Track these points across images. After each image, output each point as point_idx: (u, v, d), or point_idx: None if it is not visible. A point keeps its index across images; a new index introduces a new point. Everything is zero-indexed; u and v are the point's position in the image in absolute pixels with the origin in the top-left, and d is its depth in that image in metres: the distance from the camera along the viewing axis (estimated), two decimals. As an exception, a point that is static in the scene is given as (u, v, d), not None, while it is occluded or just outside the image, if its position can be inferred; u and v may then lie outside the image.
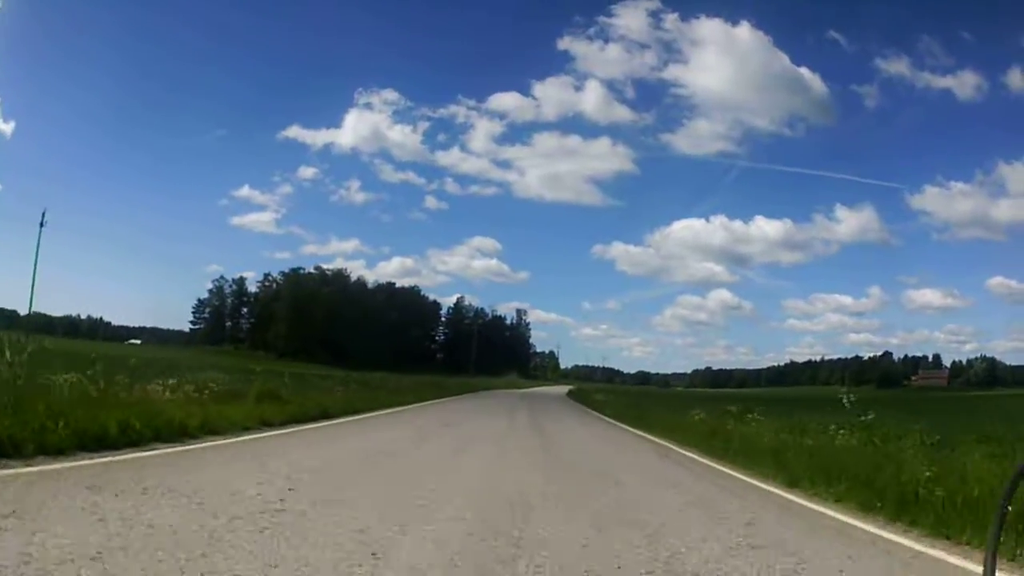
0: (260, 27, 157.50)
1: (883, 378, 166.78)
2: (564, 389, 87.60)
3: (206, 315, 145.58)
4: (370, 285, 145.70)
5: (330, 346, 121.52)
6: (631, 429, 21.38)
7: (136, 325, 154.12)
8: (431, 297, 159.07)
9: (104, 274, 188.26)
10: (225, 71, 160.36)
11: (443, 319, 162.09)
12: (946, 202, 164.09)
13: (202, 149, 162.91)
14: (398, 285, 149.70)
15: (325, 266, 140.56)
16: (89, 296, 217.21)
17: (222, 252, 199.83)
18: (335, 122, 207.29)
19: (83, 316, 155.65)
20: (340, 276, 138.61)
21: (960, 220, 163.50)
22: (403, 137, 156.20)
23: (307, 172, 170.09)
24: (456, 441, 14.07)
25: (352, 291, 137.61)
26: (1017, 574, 5.45)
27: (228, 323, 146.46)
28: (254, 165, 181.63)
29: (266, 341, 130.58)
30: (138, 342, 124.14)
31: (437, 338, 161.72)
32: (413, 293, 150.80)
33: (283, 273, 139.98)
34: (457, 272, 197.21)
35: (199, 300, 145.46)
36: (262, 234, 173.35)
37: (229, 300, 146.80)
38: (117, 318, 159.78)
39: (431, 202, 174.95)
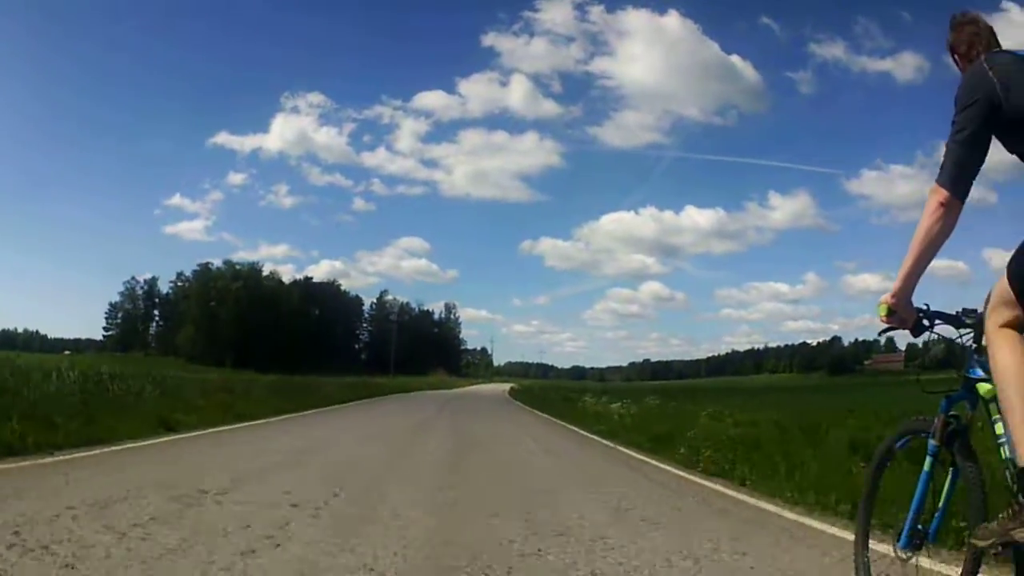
0: (186, 33, 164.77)
1: (835, 363, 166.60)
2: (503, 387, 79.41)
3: (118, 319, 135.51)
4: (286, 281, 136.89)
5: (241, 347, 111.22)
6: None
7: (72, 337, 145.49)
8: (352, 292, 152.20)
9: (42, 286, 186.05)
10: (154, 80, 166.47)
11: (367, 316, 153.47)
12: (886, 185, 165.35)
13: (132, 158, 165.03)
14: (315, 280, 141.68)
15: (236, 260, 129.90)
16: (27, 309, 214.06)
17: (157, 262, 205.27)
18: (263, 127, 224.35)
19: (19, 329, 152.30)
20: (253, 272, 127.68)
21: (901, 203, 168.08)
22: (329, 139, 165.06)
23: (236, 178, 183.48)
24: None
25: (266, 288, 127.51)
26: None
27: (140, 327, 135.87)
28: (185, 173, 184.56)
29: (175, 345, 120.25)
30: (68, 353, 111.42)
31: (361, 336, 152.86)
32: (333, 289, 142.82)
33: (194, 271, 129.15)
34: (387, 273, 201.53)
35: (111, 304, 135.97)
36: (194, 242, 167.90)
37: (141, 303, 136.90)
38: (54, 331, 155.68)
39: (359, 204, 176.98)
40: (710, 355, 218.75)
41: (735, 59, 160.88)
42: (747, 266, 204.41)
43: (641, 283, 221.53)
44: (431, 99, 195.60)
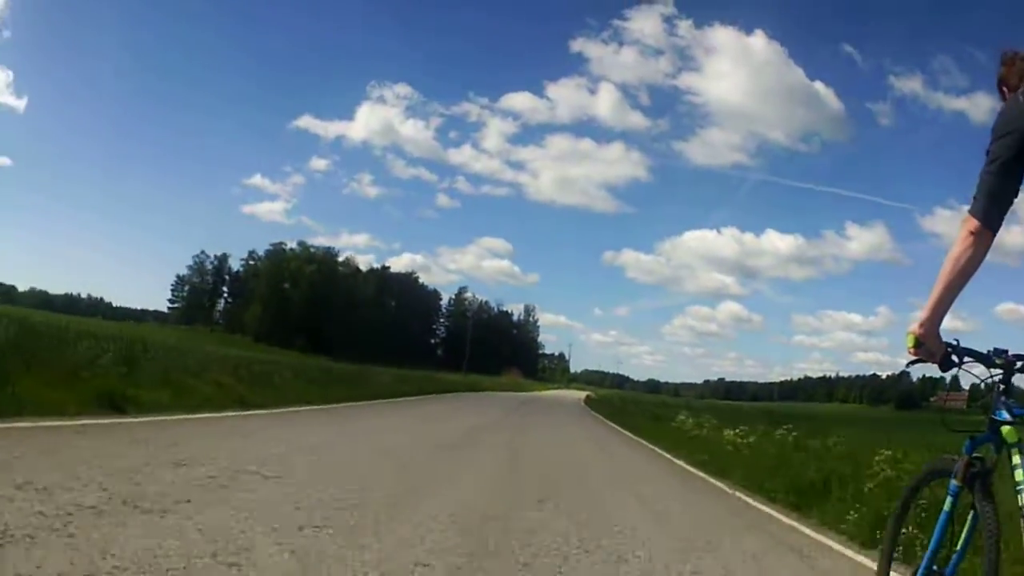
0: (273, 17, 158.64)
1: (902, 398, 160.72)
2: (578, 395, 75.08)
3: (184, 293, 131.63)
4: (363, 269, 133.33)
5: (310, 333, 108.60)
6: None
7: (139, 307, 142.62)
8: (430, 286, 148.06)
9: (115, 256, 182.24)
10: (237, 61, 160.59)
11: (444, 312, 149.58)
12: (955, 225, 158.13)
13: (215, 137, 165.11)
14: (393, 271, 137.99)
15: (311, 243, 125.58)
16: (95, 276, 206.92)
17: (232, 240, 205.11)
18: (347, 114, 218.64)
19: (84, 295, 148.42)
20: (328, 257, 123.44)
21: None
22: (415, 132, 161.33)
23: (319, 163, 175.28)
24: None
25: (341, 274, 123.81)
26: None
27: (207, 302, 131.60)
28: (266, 154, 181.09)
29: (243, 323, 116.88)
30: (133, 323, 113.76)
31: (438, 332, 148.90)
32: (410, 281, 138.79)
33: (267, 250, 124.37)
34: (467, 271, 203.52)
35: (178, 276, 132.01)
36: (272, 223, 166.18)
37: (209, 278, 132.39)
38: (120, 299, 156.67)
39: (443, 200, 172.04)
40: (783, 379, 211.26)
41: (819, 85, 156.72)
42: (823, 294, 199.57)
43: (720, 302, 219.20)
44: (519, 100, 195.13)
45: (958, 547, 2.68)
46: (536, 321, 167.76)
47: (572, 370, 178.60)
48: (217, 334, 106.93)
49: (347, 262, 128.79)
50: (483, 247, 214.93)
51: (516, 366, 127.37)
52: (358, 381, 26.02)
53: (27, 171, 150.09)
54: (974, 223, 2.47)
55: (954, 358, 2.63)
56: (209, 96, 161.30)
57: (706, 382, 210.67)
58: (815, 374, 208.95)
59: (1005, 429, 2.45)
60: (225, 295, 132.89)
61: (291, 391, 16.87)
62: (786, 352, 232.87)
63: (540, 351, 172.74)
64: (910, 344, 2.56)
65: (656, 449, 15.61)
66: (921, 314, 2.53)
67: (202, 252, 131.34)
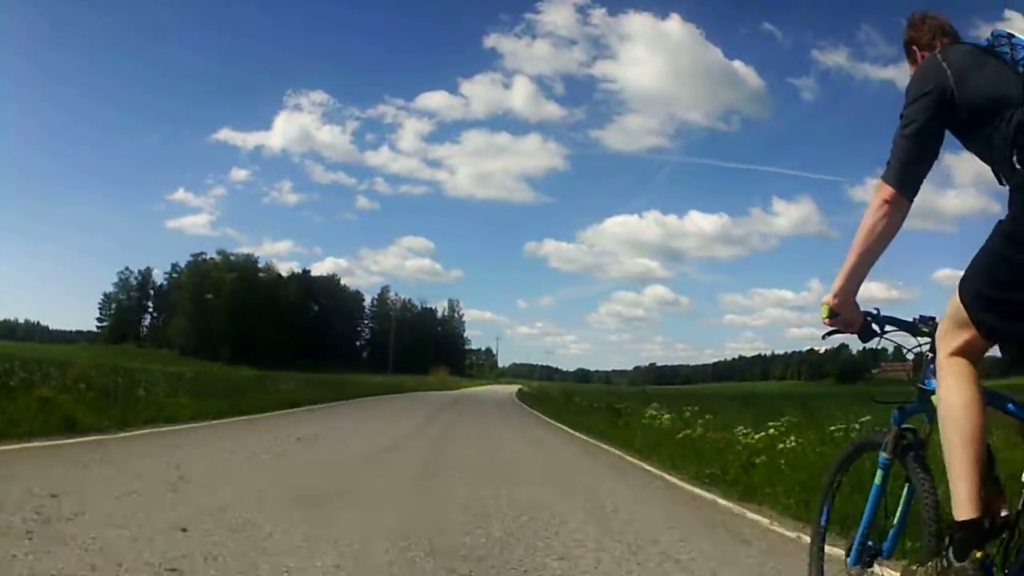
0: (187, 30, 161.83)
1: (844, 371, 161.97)
2: (509, 389, 70.92)
3: (112, 311, 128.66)
4: (284, 274, 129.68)
5: (235, 342, 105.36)
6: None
7: (74, 329, 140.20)
8: (352, 288, 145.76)
9: (45, 279, 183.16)
10: (152, 79, 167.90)
11: (368, 313, 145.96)
12: None
13: (135, 153, 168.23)
14: (315, 274, 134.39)
15: (231, 252, 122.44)
16: (31, 301, 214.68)
17: (159, 256, 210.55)
18: (265, 124, 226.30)
19: (20, 320, 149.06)
20: (248, 264, 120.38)
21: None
22: (333, 138, 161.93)
23: (239, 174, 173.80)
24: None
25: (263, 281, 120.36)
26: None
27: (134, 318, 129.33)
28: (187, 168, 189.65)
29: (168, 337, 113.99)
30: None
31: (363, 334, 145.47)
32: (332, 283, 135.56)
33: (188, 261, 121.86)
34: (391, 272, 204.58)
35: (104, 295, 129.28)
36: (197, 236, 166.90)
37: (135, 294, 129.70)
38: (57, 323, 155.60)
39: (363, 202, 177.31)
40: (717, 360, 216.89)
41: (738, 64, 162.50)
42: (751, 272, 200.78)
43: (645, 287, 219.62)
44: (434, 99, 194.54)
45: (895, 522, 2.62)
46: (461, 316, 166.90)
47: (500, 364, 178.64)
48: (145, 350, 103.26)
49: (268, 268, 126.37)
50: (405, 247, 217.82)
51: (443, 364, 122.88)
52: (253, 390, 21.89)
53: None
54: (888, 190, 2.35)
55: (875, 327, 2.61)
56: (127, 114, 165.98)
57: (636, 368, 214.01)
58: (748, 353, 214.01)
59: (935, 398, 2.36)
60: (150, 310, 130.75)
61: (154, 407, 13.02)
62: (717, 333, 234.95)
63: (467, 347, 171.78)
64: (824, 315, 2.53)
65: (613, 449, 11.64)
66: (835, 284, 2.48)
67: (126, 268, 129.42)
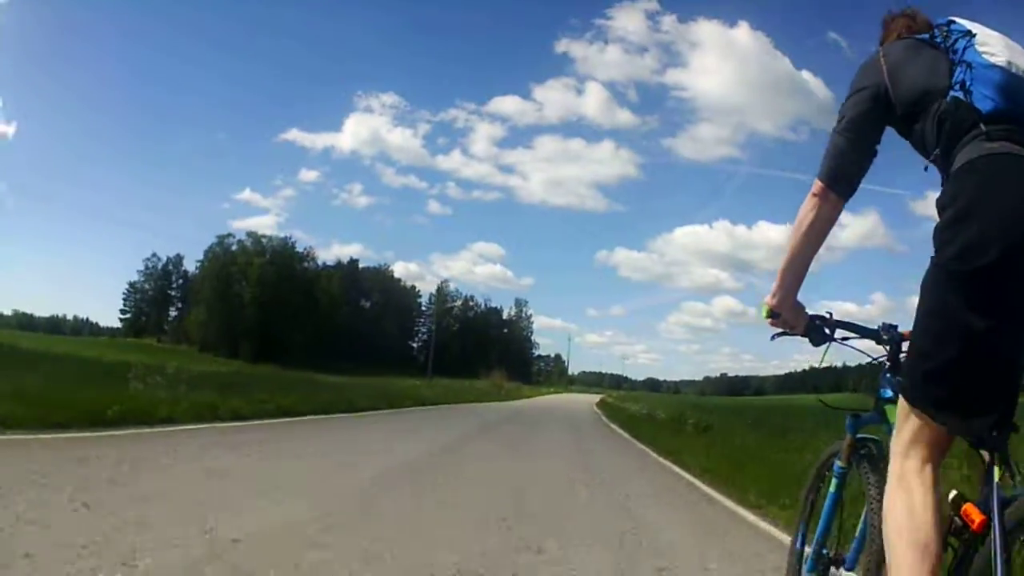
0: (256, 31, 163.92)
1: None
2: (587, 399, 58.30)
3: (134, 302, 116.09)
4: (329, 262, 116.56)
5: (264, 337, 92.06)
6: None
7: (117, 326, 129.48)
8: (408, 283, 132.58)
9: (101, 277, 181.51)
10: (224, 75, 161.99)
11: (424, 310, 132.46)
12: None
13: (202, 153, 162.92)
14: (362, 266, 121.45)
15: (262, 234, 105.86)
16: (82, 297, 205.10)
17: None
18: (335, 125, 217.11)
19: (69, 316, 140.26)
20: (283, 248, 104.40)
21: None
22: (403, 141, 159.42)
23: (308, 175, 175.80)
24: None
25: (300, 270, 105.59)
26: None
27: (155, 311, 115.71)
28: (255, 168, 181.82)
29: (187, 332, 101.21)
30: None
31: (420, 333, 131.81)
32: (383, 276, 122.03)
33: (211, 243, 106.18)
34: (461, 277, 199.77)
35: (129, 284, 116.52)
36: (265, 238, 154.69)
37: (160, 283, 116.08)
38: (105, 320, 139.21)
39: (434, 206, 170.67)
40: (787, 371, 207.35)
41: (806, 75, 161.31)
42: (817, 283, 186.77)
43: (714, 297, 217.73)
44: (506, 104, 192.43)
45: (857, 533, 2.51)
46: (530, 316, 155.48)
47: (569, 372, 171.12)
48: (164, 346, 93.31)
49: (307, 256, 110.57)
50: (476, 252, 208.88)
51: (506, 367, 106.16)
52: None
53: (17, 195, 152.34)
54: (818, 185, 2.26)
55: (826, 331, 2.52)
56: (197, 114, 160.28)
57: (706, 378, 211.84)
58: (820, 364, 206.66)
59: (889, 408, 2.35)
60: (175, 301, 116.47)
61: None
62: (783, 345, 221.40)
63: (535, 353, 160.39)
64: (764, 314, 2.41)
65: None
66: (773, 284, 2.39)
67: (153, 255, 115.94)
